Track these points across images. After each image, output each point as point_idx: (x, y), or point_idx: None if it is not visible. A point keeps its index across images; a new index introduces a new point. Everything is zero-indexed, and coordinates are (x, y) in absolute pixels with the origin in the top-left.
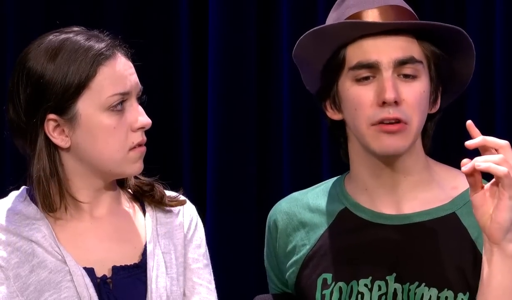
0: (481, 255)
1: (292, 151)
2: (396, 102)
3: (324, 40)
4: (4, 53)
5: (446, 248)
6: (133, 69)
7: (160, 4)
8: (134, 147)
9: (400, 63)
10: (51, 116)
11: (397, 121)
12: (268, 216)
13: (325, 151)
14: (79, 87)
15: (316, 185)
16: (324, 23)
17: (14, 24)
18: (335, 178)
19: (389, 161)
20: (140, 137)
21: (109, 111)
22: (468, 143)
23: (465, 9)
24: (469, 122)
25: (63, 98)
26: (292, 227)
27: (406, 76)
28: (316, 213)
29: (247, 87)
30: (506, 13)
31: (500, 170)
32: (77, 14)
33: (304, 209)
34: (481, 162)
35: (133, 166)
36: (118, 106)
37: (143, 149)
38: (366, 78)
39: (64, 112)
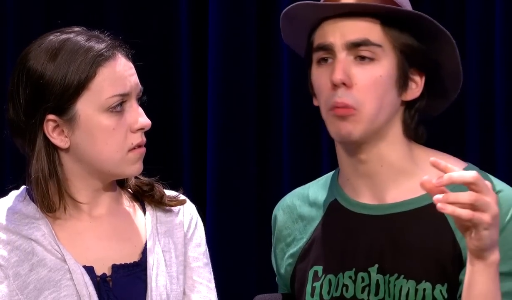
0: (459, 246)
1: (292, 150)
2: (346, 85)
3: (294, 24)
4: (4, 53)
5: (425, 238)
6: (133, 70)
7: (160, 4)
8: (134, 148)
9: (354, 45)
10: (51, 116)
11: (346, 106)
12: (273, 211)
13: (325, 151)
14: (79, 88)
15: (319, 178)
16: None
17: (14, 24)
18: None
19: (359, 149)
20: (139, 138)
21: (108, 112)
22: (432, 183)
23: (465, 9)
24: (432, 160)
25: (63, 99)
26: (292, 219)
27: (362, 58)
28: (314, 207)
29: (247, 88)
30: (506, 13)
31: (463, 215)
32: (77, 14)
33: (304, 202)
34: (447, 206)
35: (133, 167)
36: (117, 107)
37: (143, 150)
38: (325, 60)
39: (63, 113)
